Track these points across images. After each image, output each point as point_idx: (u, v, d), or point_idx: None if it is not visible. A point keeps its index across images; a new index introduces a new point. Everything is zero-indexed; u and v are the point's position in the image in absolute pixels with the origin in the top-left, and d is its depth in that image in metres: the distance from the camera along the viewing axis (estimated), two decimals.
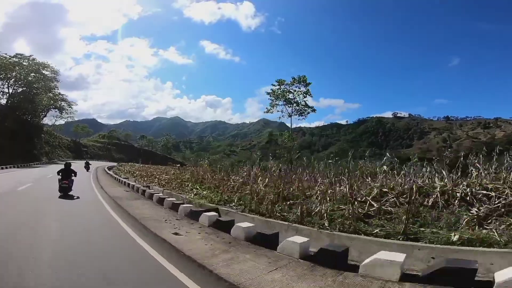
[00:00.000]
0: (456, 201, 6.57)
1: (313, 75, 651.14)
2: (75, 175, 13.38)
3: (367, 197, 7.65)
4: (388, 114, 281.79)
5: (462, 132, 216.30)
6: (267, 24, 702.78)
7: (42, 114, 63.56)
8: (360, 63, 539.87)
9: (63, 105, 66.19)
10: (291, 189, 9.78)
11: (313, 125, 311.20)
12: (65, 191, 12.06)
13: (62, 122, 74.44)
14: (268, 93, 42.42)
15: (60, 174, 12.44)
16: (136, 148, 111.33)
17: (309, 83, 41.59)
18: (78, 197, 12.31)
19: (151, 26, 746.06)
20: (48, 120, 70.37)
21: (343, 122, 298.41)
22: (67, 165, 12.91)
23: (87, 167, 35.89)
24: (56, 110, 65.46)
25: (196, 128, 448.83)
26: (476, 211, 6.00)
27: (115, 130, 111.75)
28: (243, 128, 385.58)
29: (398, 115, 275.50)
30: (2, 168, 32.69)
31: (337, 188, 8.60)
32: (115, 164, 55.65)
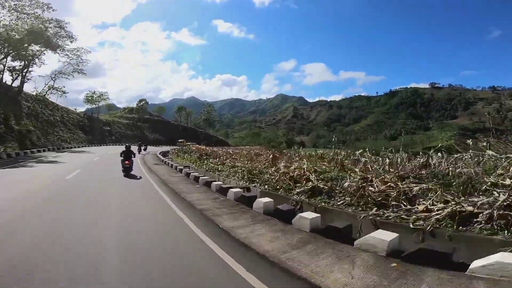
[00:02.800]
0: None
1: (331, 48, 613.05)
2: (134, 156, 13.62)
3: None
4: (414, 86, 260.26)
5: None
6: None
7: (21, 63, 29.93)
8: (382, 34, 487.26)
9: (58, 42, 31.00)
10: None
11: (330, 98, 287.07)
12: (128, 171, 12.23)
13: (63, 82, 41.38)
14: None
15: (122, 155, 12.71)
16: (173, 125, 79.02)
17: None
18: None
19: (161, 8, 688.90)
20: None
21: (367, 94, 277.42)
22: (127, 147, 13.26)
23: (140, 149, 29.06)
24: (47, 49, 30.53)
25: (215, 105, 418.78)
26: None
27: (145, 100, 73.04)
28: (261, 104, 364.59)
29: (437, 85, 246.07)
30: None
31: None
32: (166, 148, 39.09)
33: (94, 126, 49.67)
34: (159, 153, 27.20)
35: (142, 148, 31.46)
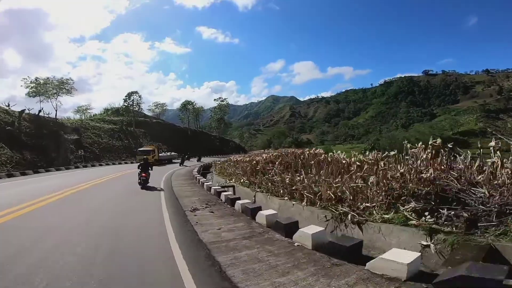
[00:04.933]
0: None
1: (317, 45, 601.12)
2: (151, 169, 12.93)
3: None
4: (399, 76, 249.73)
5: None
6: (264, 1, 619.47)
7: None
8: (366, 28, 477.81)
9: None
10: None
11: (320, 95, 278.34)
12: (144, 183, 11.92)
13: None
14: None
15: (140, 167, 12.28)
16: (179, 129, 54.47)
17: None
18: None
19: (142, 19, 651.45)
20: None
21: (355, 88, 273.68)
22: (145, 160, 13.02)
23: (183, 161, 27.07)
24: None
25: (204, 114, 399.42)
26: None
27: (137, 93, 48.66)
28: (253, 108, 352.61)
29: (430, 72, 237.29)
30: None
31: None
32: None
33: (46, 135, 25.35)
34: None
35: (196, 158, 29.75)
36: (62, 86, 33.95)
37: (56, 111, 33.48)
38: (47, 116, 31.87)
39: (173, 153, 30.32)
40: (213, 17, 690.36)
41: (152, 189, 11.13)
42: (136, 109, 47.11)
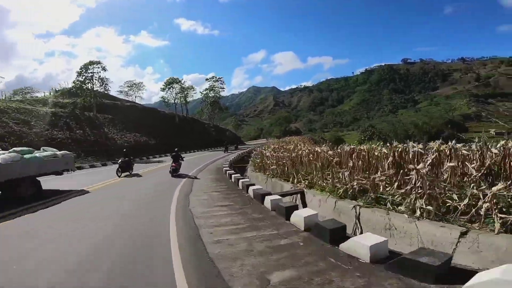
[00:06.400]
0: None
1: (298, 35, 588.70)
2: (182, 159, 13.88)
3: None
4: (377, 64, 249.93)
5: (488, 71, 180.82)
6: None
7: None
8: (344, 17, 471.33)
9: None
10: None
11: (301, 85, 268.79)
12: (175, 172, 12.62)
13: None
14: None
15: (172, 158, 13.51)
16: (163, 116, 39.41)
17: None
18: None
19: (114, 12, 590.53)
20: None
21: (335, 77, 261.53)
22: (176, 151, 13.64)
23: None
24: None
25: (192, 102, 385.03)
26: None
27: (99, 63, 30.41)
28: (234, 99, 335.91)
29: (409, 60, 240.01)
30: None
31: None
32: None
33: None
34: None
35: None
36: None
37: None
38: None
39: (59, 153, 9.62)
40: (192, 9, 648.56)
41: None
42: (98, 86, 30.74)
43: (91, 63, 30.30)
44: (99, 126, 27.01)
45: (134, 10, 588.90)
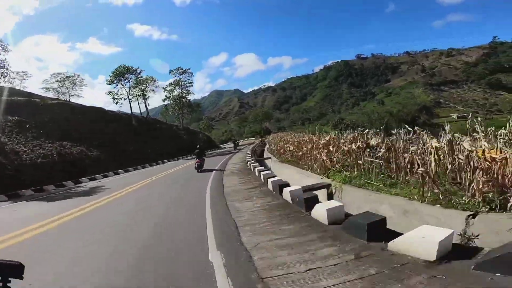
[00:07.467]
0: None
1: (258, 37, 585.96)
2: (205, 156, 14.40)
3: None
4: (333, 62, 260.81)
5: (431, 63, 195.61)
6: None
7: None
8: (300, 17, 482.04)
9: None
10: None
11: (263, 86, 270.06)
12: (200, 167, 13.14)
13: None
14: None
15: (195, 155, 13.70)
16: (118, 117, 27.40)
17: None
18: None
19: (57, 18, 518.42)
20: None
21: (295, 75, 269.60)
22: (200, 147, 13.84)
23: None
24: None
25: (143, 106, 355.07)
26: None
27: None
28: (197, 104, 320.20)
29: (362, 56, 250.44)
30: None
31: None
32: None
33: None
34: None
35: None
36: None
37: None
38: None
39: None
40: (147, 14, 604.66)
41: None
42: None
43: None
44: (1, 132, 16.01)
45: (79, 16, 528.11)
